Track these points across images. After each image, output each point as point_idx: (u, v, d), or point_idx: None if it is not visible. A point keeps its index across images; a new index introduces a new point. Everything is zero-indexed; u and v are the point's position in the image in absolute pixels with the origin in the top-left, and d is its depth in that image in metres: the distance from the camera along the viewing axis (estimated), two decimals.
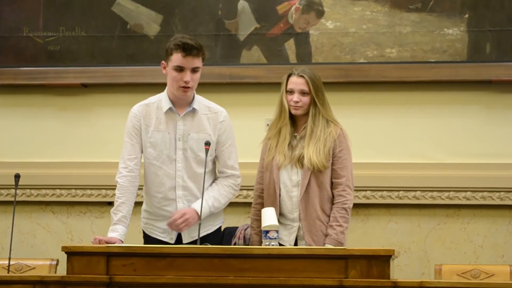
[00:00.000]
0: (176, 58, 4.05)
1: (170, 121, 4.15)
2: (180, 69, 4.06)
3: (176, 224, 4.05)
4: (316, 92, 4.17)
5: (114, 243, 3.92)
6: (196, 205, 4.06)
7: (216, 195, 4.16)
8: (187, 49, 4.03)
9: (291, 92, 4.18)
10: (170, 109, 4.14)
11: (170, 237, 4.18)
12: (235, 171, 4.24)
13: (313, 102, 4.17)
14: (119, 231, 4.03)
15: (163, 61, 4.14)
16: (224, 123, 4.21)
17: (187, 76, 4.05)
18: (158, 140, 4.14)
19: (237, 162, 4.25)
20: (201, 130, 4.16)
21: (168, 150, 4.14)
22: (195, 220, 4.04)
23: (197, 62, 4.07)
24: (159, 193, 4.17)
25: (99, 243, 3.91)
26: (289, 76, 4.21)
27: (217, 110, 4.22)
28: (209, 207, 4.10)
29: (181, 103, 4.16)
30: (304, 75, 4.17)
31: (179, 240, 4.18)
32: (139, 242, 4.25)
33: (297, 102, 4.16)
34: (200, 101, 4.20)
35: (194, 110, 4.16)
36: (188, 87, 4.07)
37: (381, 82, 5.15)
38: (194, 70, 4.07)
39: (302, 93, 4.16)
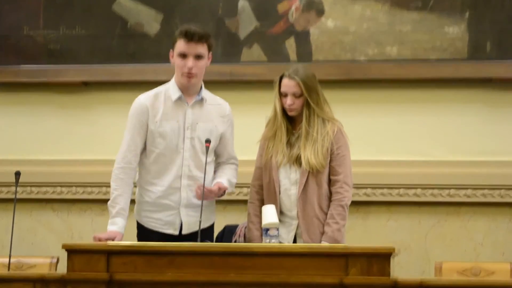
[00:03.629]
0: (180, 44, 4.07)
1: (179, 110, 4.14)
2: (183, 55, 4.07)
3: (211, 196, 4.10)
4: (309, 93, 4.12)
5: (115, 238, 3.94)
6: (223, 180, 4.15)
7: (231, 178, 4.23)
8: (189, 35, 4.04)
9: (284, 94, 4.15)
10: (179, 97, 4.14)
11: (174, 228, 4.16)
12: (236, 159, 4.34)
13: (306, 104, 4.13)
14: (118, 223, 4.03)
15: (171, 50, 4.14)
16: (230, 116, 4.27)
17: (190, 62, 4.05)
18: (168, 129, 4.12)
19: None
20: (208, 120, 4.17)
21: (177, 140, 4.13)
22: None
23: (201, 48, 4.07)
24: (165, 182, 4.14)
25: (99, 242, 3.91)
26: (281, 78, 4.16)
27: (221, 101, 4.27)
28: (230, 186, 4.21)
29: (189, 92, 4.16)
30: (295, 77, 4.11)
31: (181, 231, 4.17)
32: None
33: (291, 104, 4.13)
34: (206, 92, 4.23)
35: (202, 99, 4.17)
36: (192, 74, 4.08)
37: (381, 80, 5.15)
38: (198, 57, 4.07)
39: (295, 95, 4.13)
